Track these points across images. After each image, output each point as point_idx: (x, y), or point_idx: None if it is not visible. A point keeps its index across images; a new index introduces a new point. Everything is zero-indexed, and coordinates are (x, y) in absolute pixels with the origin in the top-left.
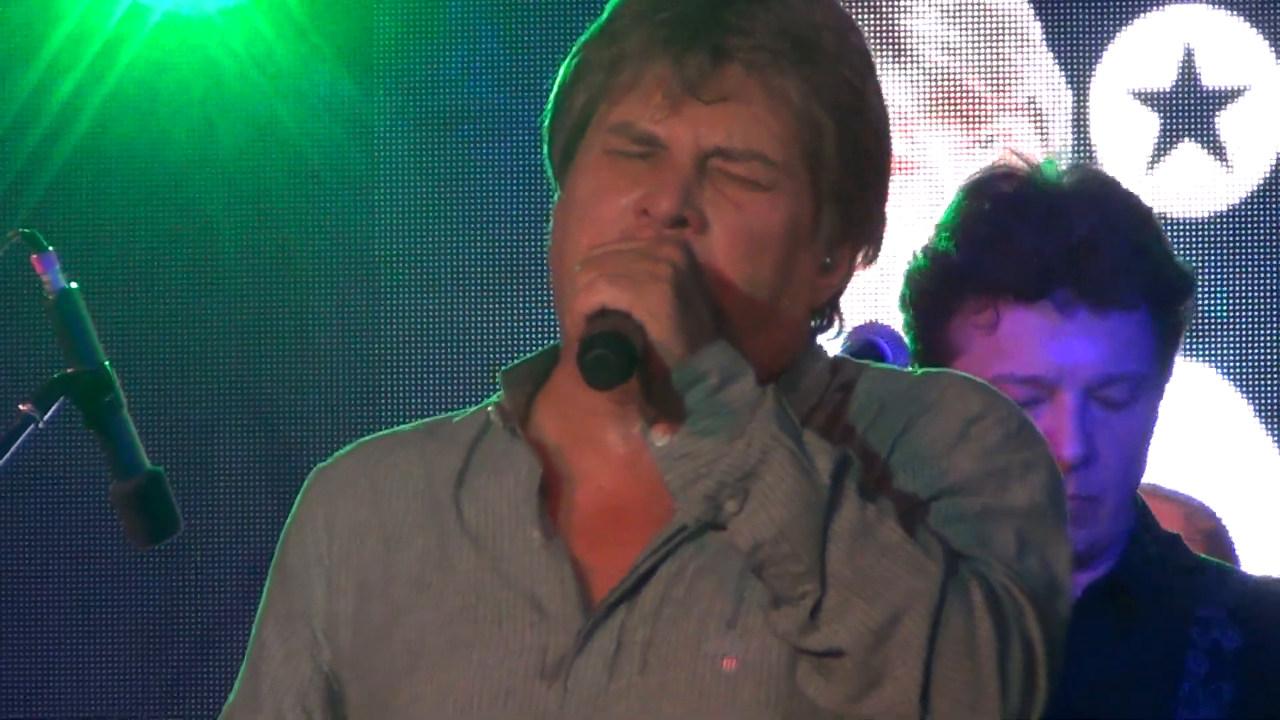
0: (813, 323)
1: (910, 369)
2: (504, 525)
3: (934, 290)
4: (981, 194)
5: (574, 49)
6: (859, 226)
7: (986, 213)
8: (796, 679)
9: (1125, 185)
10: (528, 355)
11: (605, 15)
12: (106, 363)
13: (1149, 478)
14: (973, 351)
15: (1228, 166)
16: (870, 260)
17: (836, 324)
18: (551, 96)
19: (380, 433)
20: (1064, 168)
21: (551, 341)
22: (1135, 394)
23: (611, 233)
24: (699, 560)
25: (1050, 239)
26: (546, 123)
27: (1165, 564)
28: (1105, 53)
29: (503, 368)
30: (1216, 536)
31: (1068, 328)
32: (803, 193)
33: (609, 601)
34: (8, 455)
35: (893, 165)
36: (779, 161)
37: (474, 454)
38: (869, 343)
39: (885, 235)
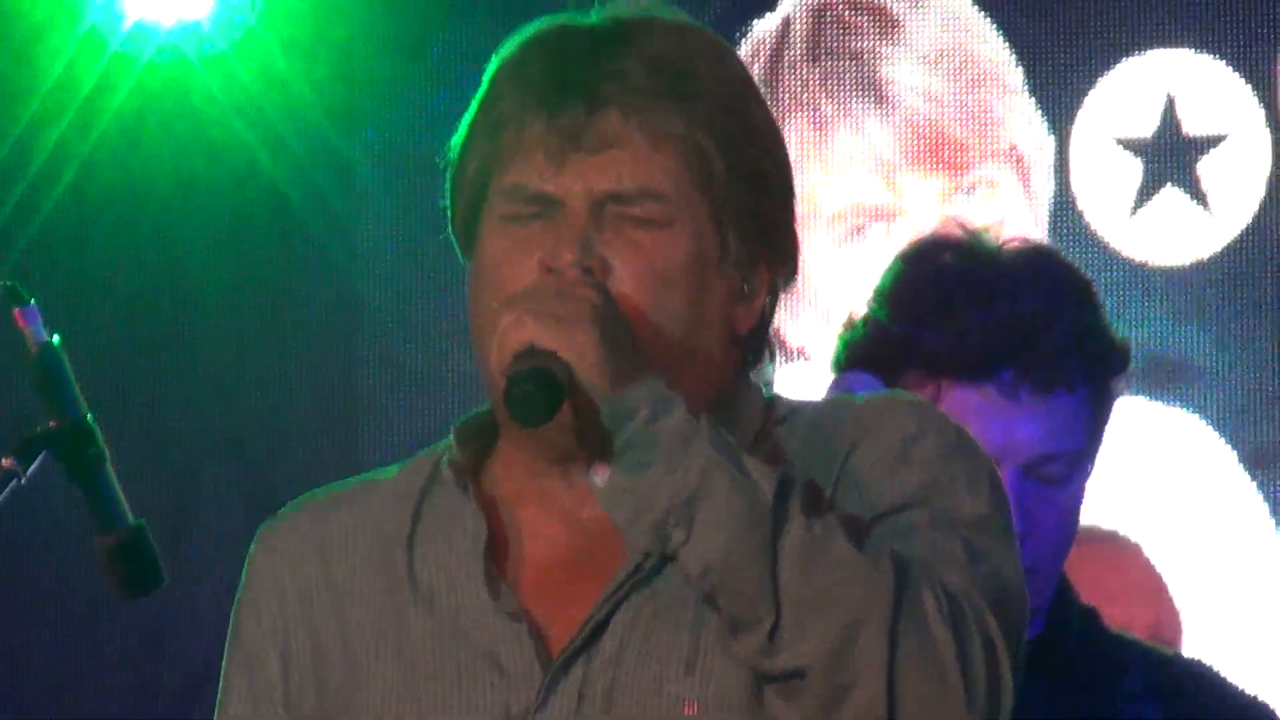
0: (744, 356)
1: (849, 397)
2: (457, 584)
3: (871, 359)
4: (922, 264)
5: (463, 121)
6: (768, 245)
7: (928, 284)
8: (766, 707)
9: (1061, 258)
10: (480, 409)
11: (484, 81)
12: (89, 416)
13: (1132, 524)
14: None
15: (1210, 213)
16: (788, 282)
17: (768, 355)
18: (447, 174)
19: (323, 488)
20: (1001, 239)
21: None
22: (1071, 469)
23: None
24: (652, 605)
25: (995, 318)
26: (446, 201)
27: (1087, 633)
28: (1087, 99)
29: (455, 421)
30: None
31: (1009, 408)
32: (702, 221)
33: (567, 654)
34: None
35: (797, 184)
36: (672, 196)
37: (422, 510)
38: (852, 392)
39: (799, 255)
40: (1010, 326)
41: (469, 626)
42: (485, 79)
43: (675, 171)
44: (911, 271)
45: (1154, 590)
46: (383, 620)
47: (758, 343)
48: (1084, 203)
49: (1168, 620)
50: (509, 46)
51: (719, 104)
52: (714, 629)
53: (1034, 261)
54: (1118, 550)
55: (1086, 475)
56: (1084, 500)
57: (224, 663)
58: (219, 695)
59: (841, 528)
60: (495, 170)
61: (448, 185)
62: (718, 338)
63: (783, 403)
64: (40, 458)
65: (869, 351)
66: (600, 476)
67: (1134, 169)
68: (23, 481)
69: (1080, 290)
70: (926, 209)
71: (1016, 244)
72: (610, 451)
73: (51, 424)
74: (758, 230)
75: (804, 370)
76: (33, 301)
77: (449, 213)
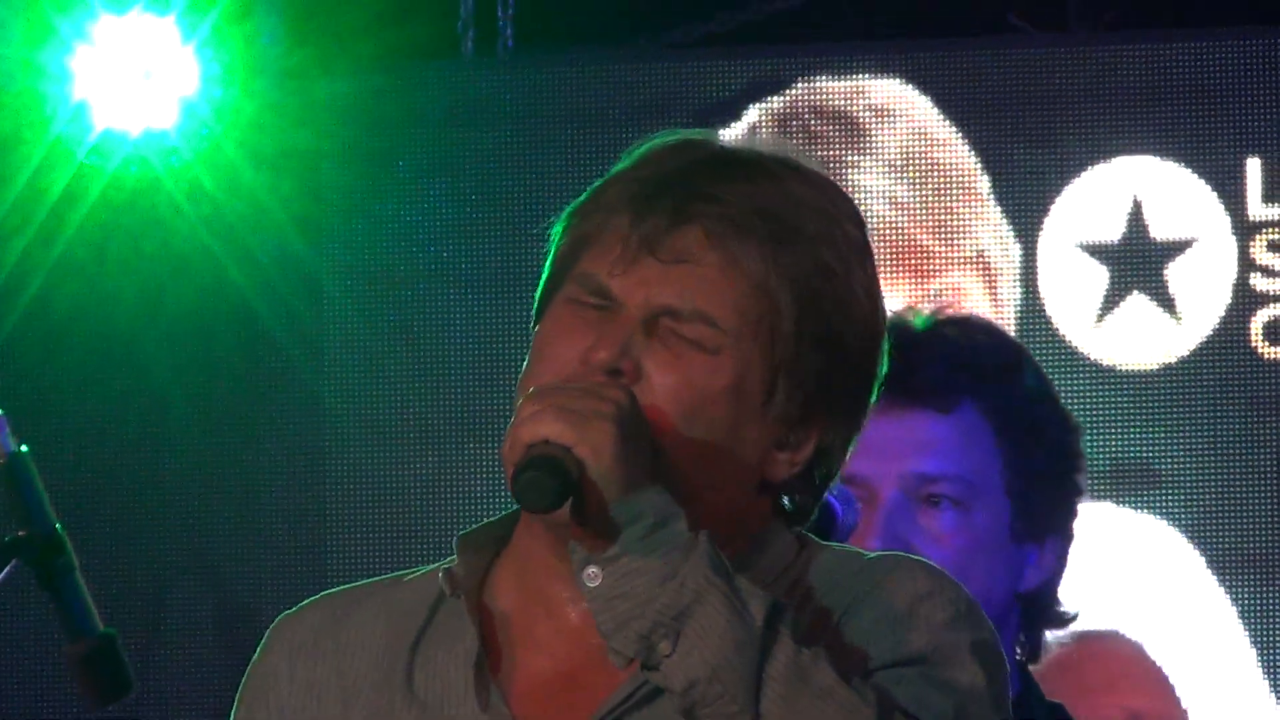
0: (785, 501)
1: (864, 551)
2: (451, 692)
3: None
4: None
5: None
6: (825, 408)
7: None
8: None
9: (982, 319)
10: (489, 519)
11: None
12: (58, 525)
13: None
14: None
15: (1177, 318)
16: (844, 448)
17: (813, 507)
18: (549, 246)
19: (345, 586)
20: (930, 312)
21: (501, 494)
22: (963, 496)
23: (561, 378)
24: None
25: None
26: (543, 271)
27: None
28: (1053, 206)
29: (461, 532)
30: None
31: (879, 426)
32: (752, 362)
33: None
34: None
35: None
36: (727, 327)
37: (434, 616)
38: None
39: (864, 422)
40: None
41: None
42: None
43: (737, 306)
44: None
45: (1160, 682)
46: None
47: (799, 494)
48: (1052, 308)
49: (1175, 709)
50: (639, 147)
51: (810, 261)
52: None
53: (938, 313)
54: (1121, 646)
55: (992, 514)
56: (998, 547)
57: None
58: None
59: (829, 660)
60: (576, 255)
61: (547, 257)
62: (743, 477)
63: (810, 545)
64: (10, 566)
65: None
66: (593, 579)
67: (1101, 275)
68: None
69: (976, 324)
70: None
71: (938, 313)
72: (606, 551)
73: (21, 533)
74: (816, 392)
75: None
76: (1, 412)
77: (540, 285)
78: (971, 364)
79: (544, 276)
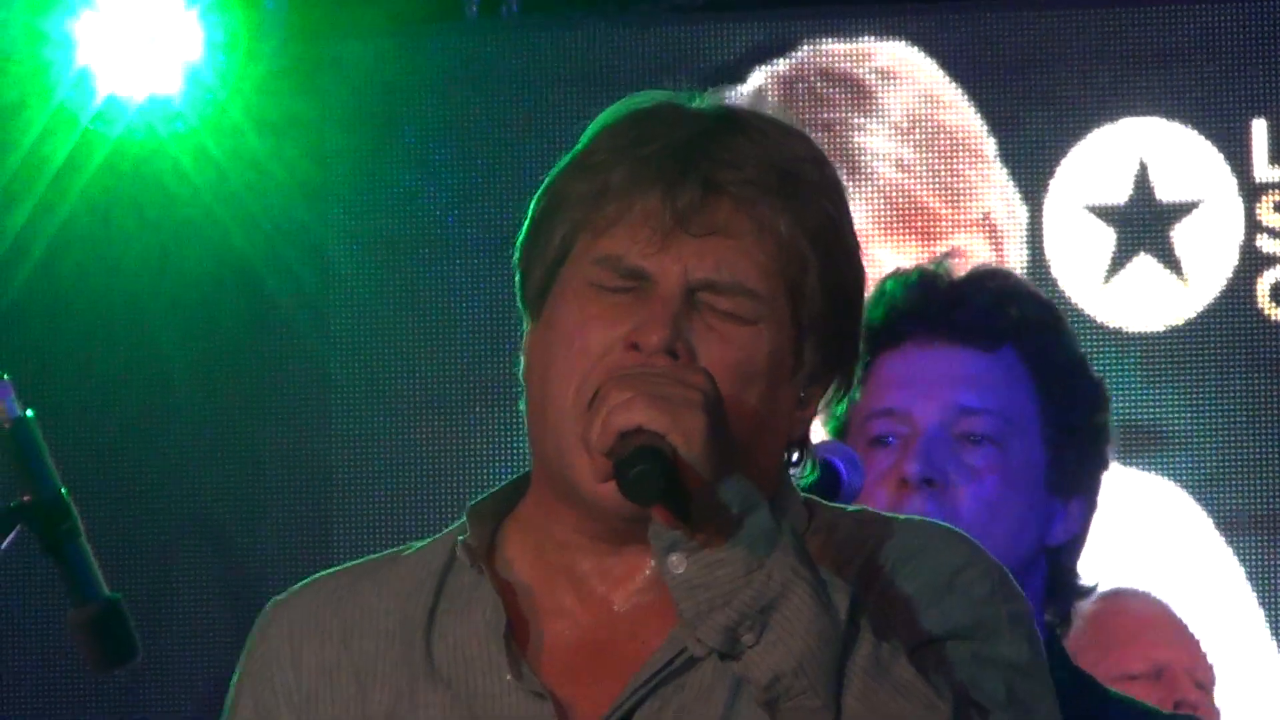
0: (786, 456)
1: (883, 514)
2: (475, 665)
3: None
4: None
5: (546, 181)
6: (836, 360)
7: (882, 295)
8: None
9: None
10: (493, 488)
11: (581, 147)
12: (63, 490)
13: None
14: (855, 404)
15: (1184, 279)
16: (841, 395)
17: (806, 461)
18: (524, 228)
19: (337, 567)
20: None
21: (507, 462)
22: (998, 434)
23: (600, 364)
24: (680, 700)
25: (919, 292)
26: (518, 255)
27: (1081, 697)
28: (1059, 168)
29: (470, 503)
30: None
31: (922, 359)
32: (785, 325)
33: None
34: None
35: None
36: (764, 294)
37: (443, 589)
38: (824, 462)
39: (858, 371)
40: (932, 295)
41: (489, 707)
42: (583, 143)
43: (771, 271)
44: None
45: (1186, 635)
46: (400, 700)
47: (802, 448)
48: (1058, 270)
49: (1202, 662)
50: (613, 117)
51: (820, 213)
52: None
53: (977, 267)
54: (1148, 602)
55: (1030, 459)
56: (1028, 491)
57: None
58: None
59: (906, 654)
60: (587, 236)
61: (523, 240)
62: (779, 441)
63: (823, 511)
64: (15, 531)
65: None
66: (677, 566)
67: (1107, 236)
68: None
69: (1007, 274)
70: None
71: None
72: (691, 538)
73: (25, 498)
74: (831, 344)
75: None
76: (5, 376)
77: (519, 267)
78: (1015, 311)
79: (530, 258)
